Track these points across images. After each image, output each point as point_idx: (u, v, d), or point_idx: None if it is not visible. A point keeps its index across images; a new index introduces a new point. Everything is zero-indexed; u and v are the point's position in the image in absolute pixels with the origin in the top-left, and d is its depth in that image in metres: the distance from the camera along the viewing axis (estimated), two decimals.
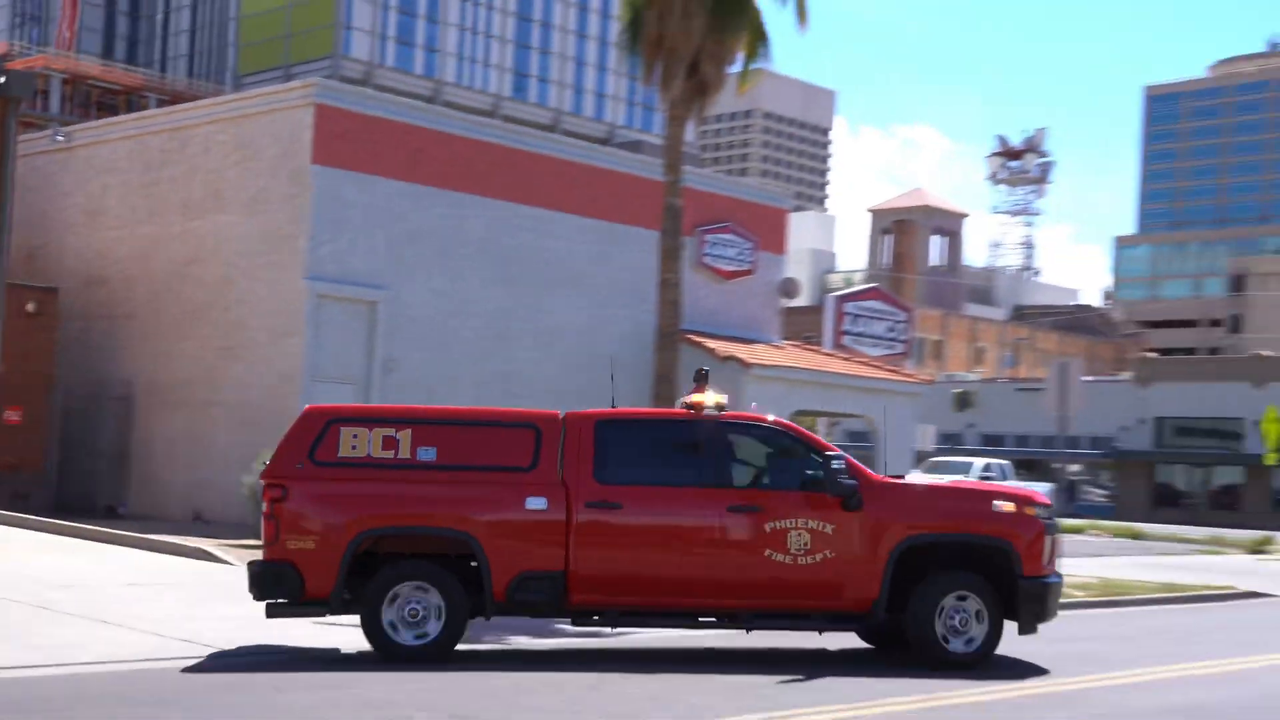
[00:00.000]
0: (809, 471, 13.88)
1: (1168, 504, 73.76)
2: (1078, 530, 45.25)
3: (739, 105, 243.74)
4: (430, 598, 13.25)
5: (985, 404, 78.59)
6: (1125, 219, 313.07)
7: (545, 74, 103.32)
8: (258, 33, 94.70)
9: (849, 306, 47.33)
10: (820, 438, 14.68)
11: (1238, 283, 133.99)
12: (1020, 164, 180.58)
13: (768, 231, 37.83)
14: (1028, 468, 67.22)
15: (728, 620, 13.99)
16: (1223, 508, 73.07)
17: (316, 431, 13.49)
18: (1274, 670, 15.36)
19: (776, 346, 37.41)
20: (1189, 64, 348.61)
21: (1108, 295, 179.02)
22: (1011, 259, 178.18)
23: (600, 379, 33.16)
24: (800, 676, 13.04)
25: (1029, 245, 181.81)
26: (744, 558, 13.62)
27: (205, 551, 22.30)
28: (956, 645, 13.84)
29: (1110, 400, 74.63)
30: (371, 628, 13.17)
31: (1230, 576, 27.94)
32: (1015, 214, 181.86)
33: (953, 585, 13.89)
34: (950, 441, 72.02)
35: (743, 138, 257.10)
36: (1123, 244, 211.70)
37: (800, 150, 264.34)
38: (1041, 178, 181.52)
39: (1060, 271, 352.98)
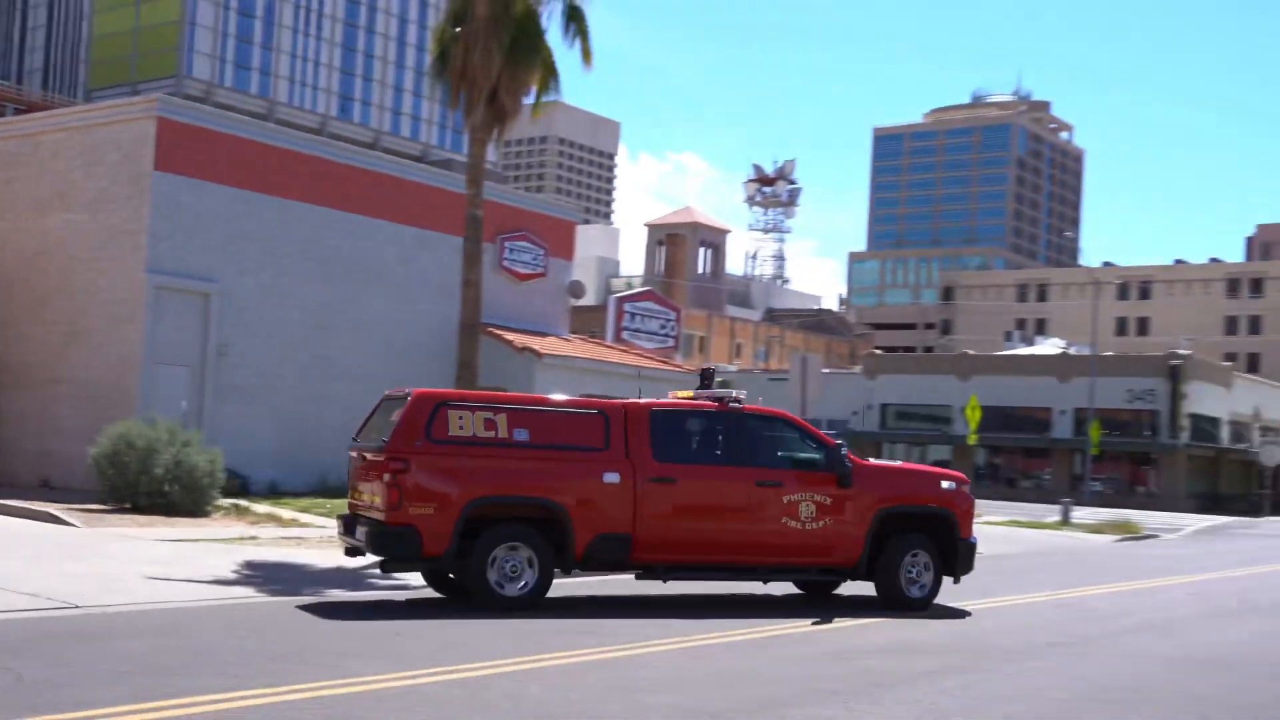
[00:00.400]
0: (813, 455, 15.04)
1: None
2: None
3: (536, 131, 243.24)
4: (521, 554, 13.70)
5: (743, 391, 79.98)
6: (858, 238, 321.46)
7: (367, 98, 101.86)
8: (108, 52, 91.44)
9: (628, 306, 47.62)
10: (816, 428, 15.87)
11: (947, 293, 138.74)
12: (773, 189, 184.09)
13: (559, 240, 37.82)
14: None
15: (749, 574, 14.85)
16: None
17: (428, 413, 13.61)
18: (990, 613, 15.90)
19: (565, 339, 37.44)
20: (910, 110, 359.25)
21: (843, 301, 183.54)
22: (765, 269, 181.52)
23: (410, 365, 33.17)
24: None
25: (780, 258, 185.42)
26: (768, 524, 14.68)
27: (52, 515, 21.44)
28: (913, 591, 15.37)
29: (844, 389, 76.74)
30: (479, 581, 13.51)
31: None
32: (768, 231, 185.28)
33: (911, 545, 15.36)
34: None
35: (539, 159, 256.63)
36: (855, 259, 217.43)
37: (589, 172, 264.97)
38: (790, 201, 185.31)
39: (805, 280, 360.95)
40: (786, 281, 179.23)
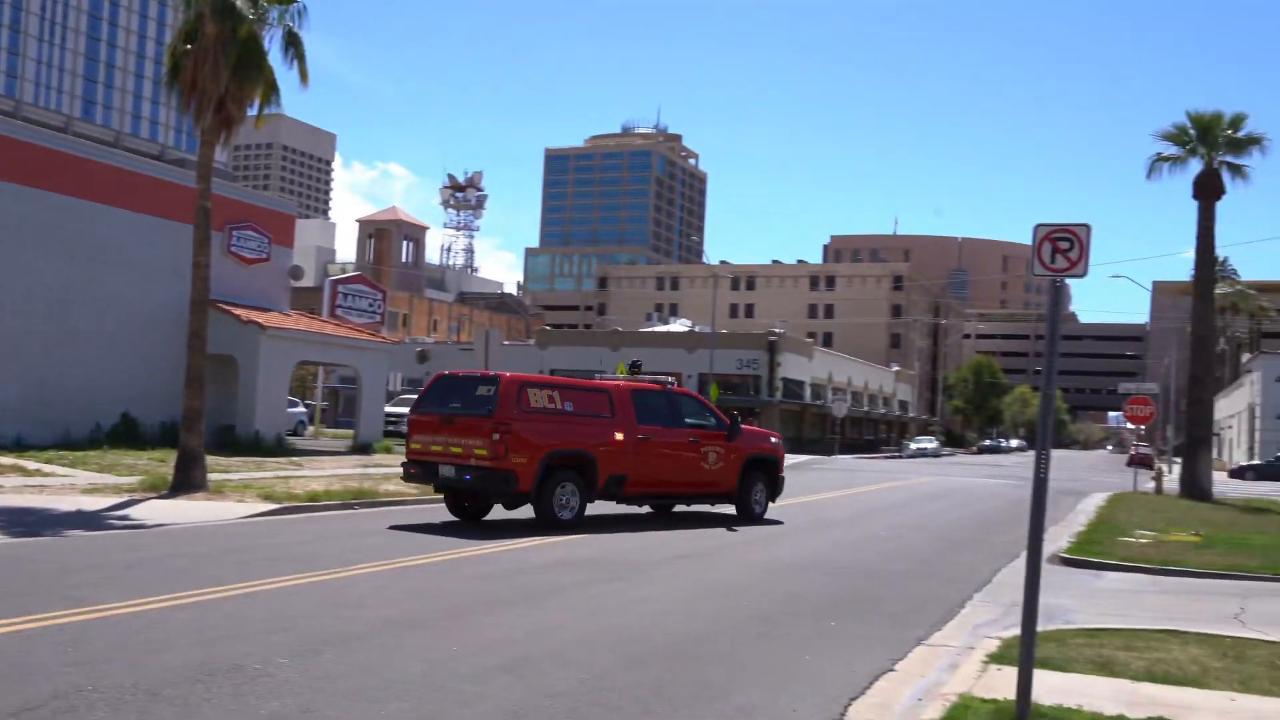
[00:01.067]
0: (713, 420, 18.59)
1: None
2: None
3: (262, 138, 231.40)
4: (569, 490, 16.20)
5: (438, 358, 78.69)
6: (533, 236, 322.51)
7: (109, 102, 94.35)
8: None
9: (341, 288, 46.01)
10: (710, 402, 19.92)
11: (603, 282, 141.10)
12: (464, 194, 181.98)
13: (281, 231, 36.09)
14: None
15: (684, 500, 18.23)
16: None
17: (517, 391, 15.99)
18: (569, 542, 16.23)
19: (286, 314, 35.79)
20: (575, 135, 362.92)
21: (521, 287, 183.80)
22: (458, 260, 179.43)
23: (148, 336, 31.02)
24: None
25: (470, 251, 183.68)
26: (695, 466, 18.12)
27: None
28: (757, 509, 19.00)
29: (521, 357, 76.88)
30: (547, 509, 15.94)
31: None
32: (460, 229, 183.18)
33: (758, 479, 19.09)
34: (414, 385, 71.74)
35: (265, 162, 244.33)
36: (531, 253, 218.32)
37: (309, 175, 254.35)
38: (479, 205, 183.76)
39: (491, 270, 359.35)
40: (475, 270, 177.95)
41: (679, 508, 20.02)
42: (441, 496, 18.79)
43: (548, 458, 15.97)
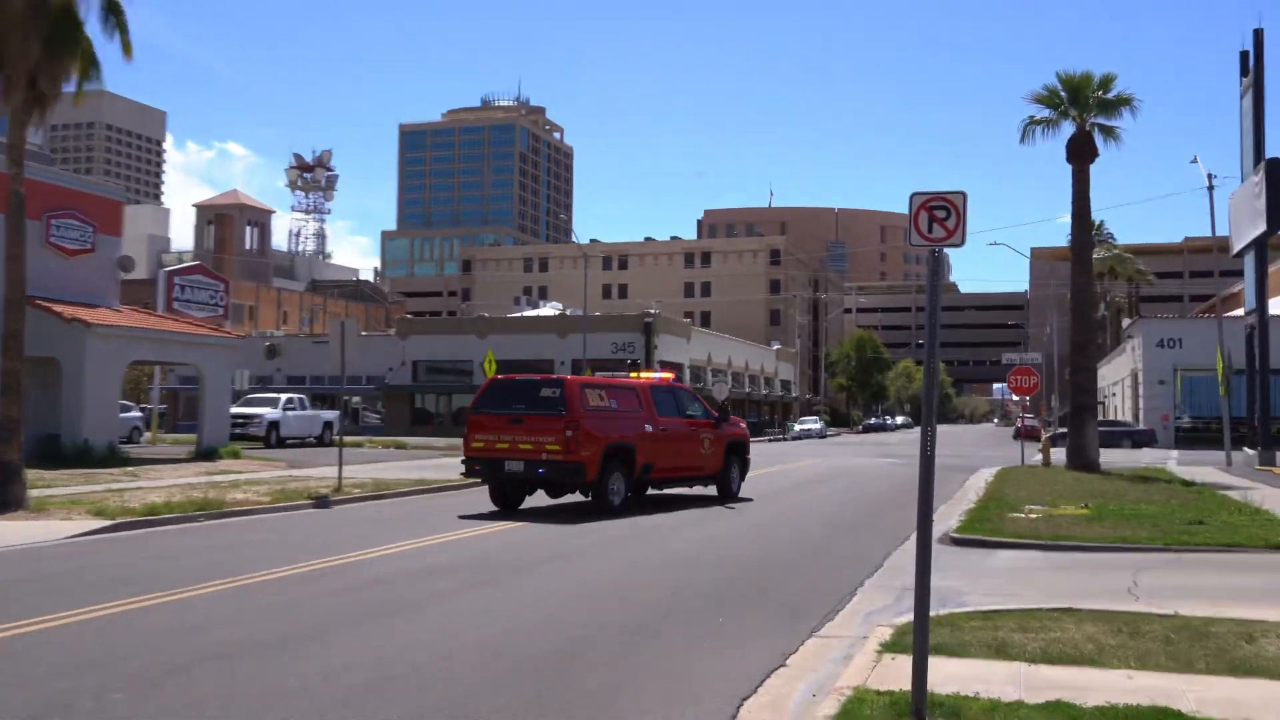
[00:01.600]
0: (700, 410, 22.42)
1: (423, 422, 75.78)
2: (359, 444, 45.43)
3: (83, 116, 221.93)
4: (618, 478, 19.55)
5: (290, 353, 76.89)
6: (390, 218, 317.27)
7: None
8: None
9: (178, 279, 44.44)
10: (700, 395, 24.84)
11: (467, 265, 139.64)
12: (312, 175, 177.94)
13: (107, 218, 34.57)
14: (323, 400, 66.60)
15: (686, 482, 21.84)
16: (461, 424, 75.77)
17: (579, 392, 19.38)
18: (481, 538, 16.04)
19: (116, 310, 34.36)
20: (430, 109, 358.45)
21: (378, 273, 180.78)
22: (308, 245, 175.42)
23: None
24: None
25: (321, 235, 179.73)
26: (695, 452, 21.72)
27: None
28: (734, 488, 22.90)
29: (381, 349, 75.68)
30: (604, 495, 19.20)
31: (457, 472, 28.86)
32: (309, 212, 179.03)
33: (734, 461, 22.99)
34: (263, 382, 69.87)
35: (88, 143, 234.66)
36: (388, 236, 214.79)
37: (137, 156, 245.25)
38: (329, 186, 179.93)
39: (344, 255, 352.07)
40: (328, 256, 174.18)
41: (650, 491, 23.14)
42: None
43: (607, 449, 19.36)
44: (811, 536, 16.40)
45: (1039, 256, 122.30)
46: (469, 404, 20.71)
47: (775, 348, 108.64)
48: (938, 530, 16.17)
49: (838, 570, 12.89)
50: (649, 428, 20.46)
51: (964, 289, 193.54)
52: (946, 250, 7.36)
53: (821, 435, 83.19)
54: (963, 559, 13.92)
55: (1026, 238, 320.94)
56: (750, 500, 22.30)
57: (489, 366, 43.24)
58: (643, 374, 23.54)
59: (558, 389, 19.37)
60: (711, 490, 23.74)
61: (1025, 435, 49.51)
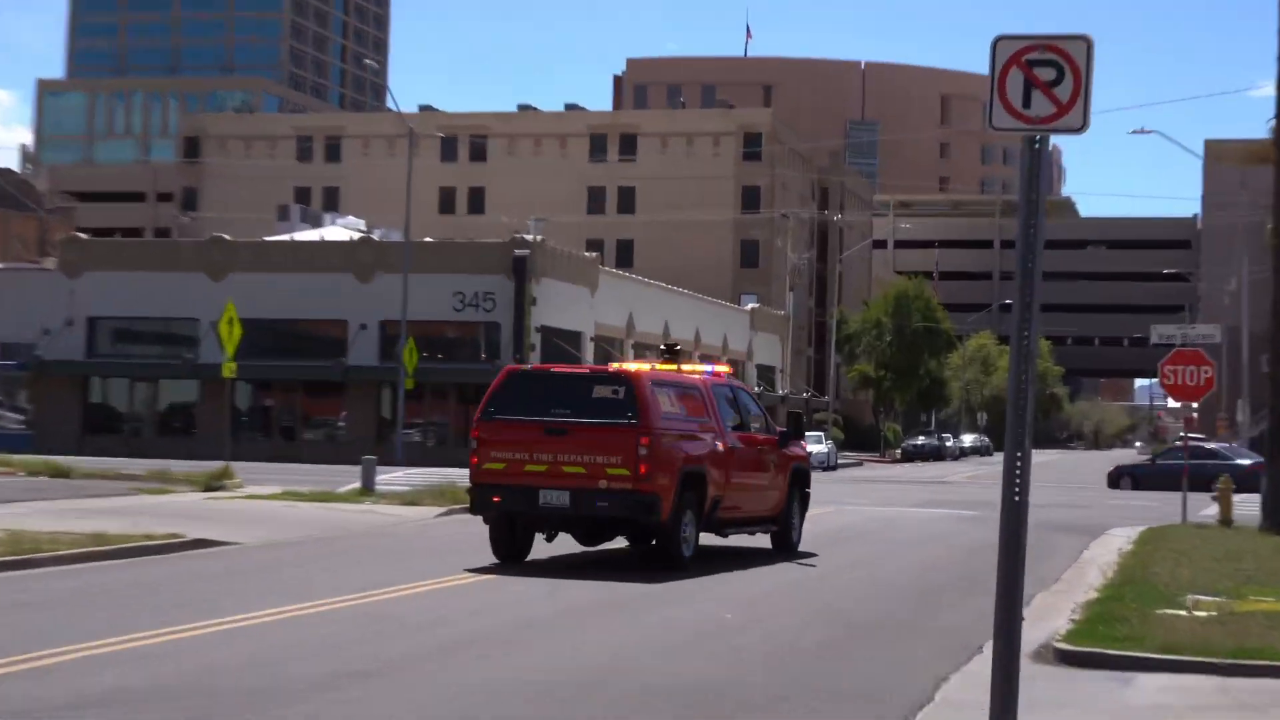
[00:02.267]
0: (762, 419, 28.16)
1: (105, 430, 74.92)
2: None
3: None
4: (688, 518, 23.97)
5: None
6: (54, 59, 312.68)
7: None
8: None
9: None
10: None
11: (193, 146, 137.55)
12: None
13: None
14: None
15: (748, 529, 27.01)
16: (175, 433, 75.18)
17: (651, 392, 23.55)
18: (214, 640, 15.91)
19: None
20: None
21: (29, 156, 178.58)
22: None
23: None
24: None
25: None
26: (762, 483, 26.96)
27: None
28: (795, 536, 28.26)
29: (32, 295, 74.63)
30: (675, 541, 23.58)
31: (177, 521, 28.70)
32: None
33: (797, 495, 28.28)
34: None
35: None
36: (49, 90, 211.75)
37: None
38: None
39: None
40: None
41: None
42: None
43: (682, 477, 23.62)
44: (804, 643, 16.79)
45: (1219, 156, 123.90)
46: (477, 408, 24.73)
47: (750, 308, 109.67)
48: (1034, 635, 16.30)
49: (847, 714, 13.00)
50: (719, 446, 25.36)
51: (1087, 211, 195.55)
52: (1057, 140, 7.36)
53: (829, 465, 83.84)
54: (1077, 690, 14.08)
55: (1198, 123, 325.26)
56: (813, 555, 27.36)
57: (228, 332, 42.76)
58: (684, 367, 28.18)
59: (623, 387, 23.79)
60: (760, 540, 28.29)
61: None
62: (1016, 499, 6.54)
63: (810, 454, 32.29)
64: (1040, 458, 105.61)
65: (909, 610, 20.03)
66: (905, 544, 31.20)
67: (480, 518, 24.75)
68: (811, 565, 25.92)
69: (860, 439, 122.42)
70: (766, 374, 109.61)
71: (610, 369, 27.11)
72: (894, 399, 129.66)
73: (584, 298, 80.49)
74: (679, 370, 27.39)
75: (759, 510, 26.67)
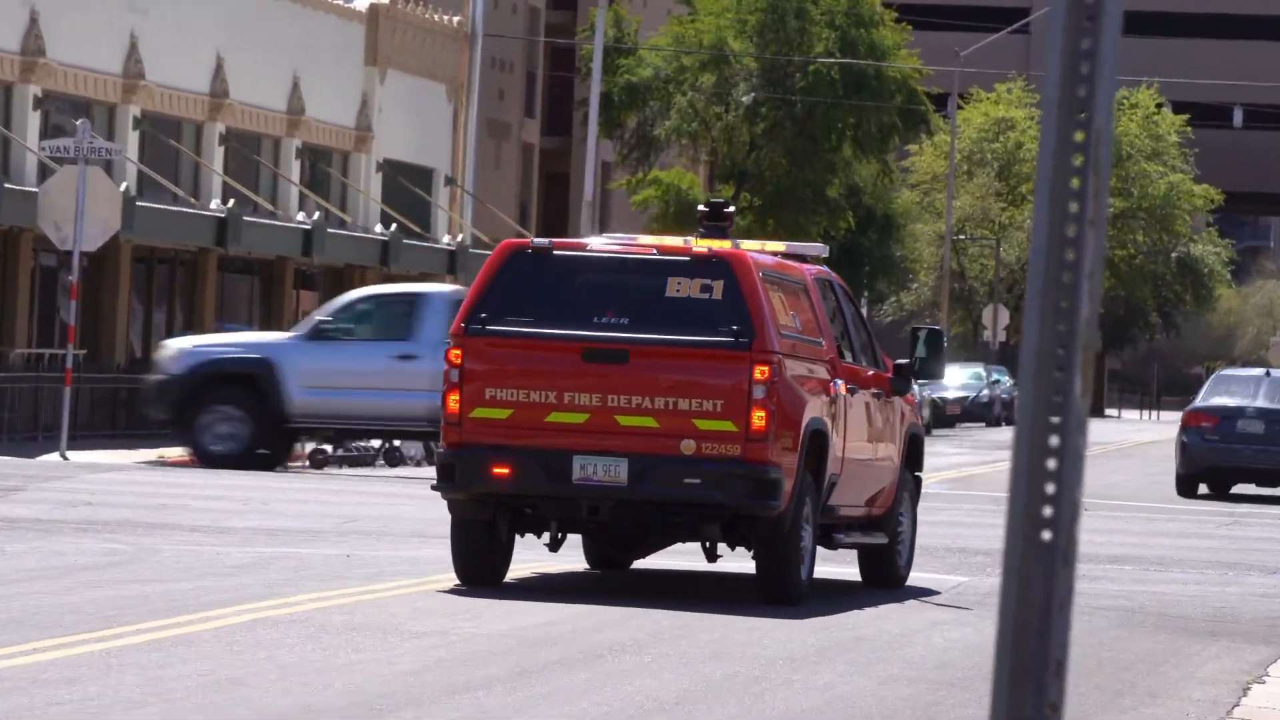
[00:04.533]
0: (873, 354, 19.50)
1: None
2: None
3: None
4: (809, 508, 16.36)
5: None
6: None
7: None
8: None
9: None
10: None
11: None
12: None
13: None
14: None
15: (862, 531, 18.35)
16: None
17: (763, 287, 16.03)
18: None
19: None
20: None
21: None
22: None
23: None
24: None
25: None
26: (877, 459, 18.61)
27: None
28: (906, 560, 19.09)
29: None
30: (794, 553, 16.13)
31: None
32: None
33: (909, 483, 19.32)
34: None
35: None
36: None
37: None
38: None
39: None
40: None
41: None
42: None
43: (806, 439, 16.26)
44: None
45: None
46: (457, 316, 16.83)
47: (367, 5, 60.28)
48: None
49: None
50: (835, 390, 17.26)
51: None
52: None
53: None
54: None
55: None
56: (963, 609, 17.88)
57: None
58: (742, 244, 18.30)
59: (723, 277, 16.13)
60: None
61: None
62: (1044, 543, 3.02)
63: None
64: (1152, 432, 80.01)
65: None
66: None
67: (447, 499, 16.53)
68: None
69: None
70: (412, 183, 62.54)
71: (693, 246, 16.79)
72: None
73: None
74: (773, 254, 18.12)
75: (864, 505, 18.21)
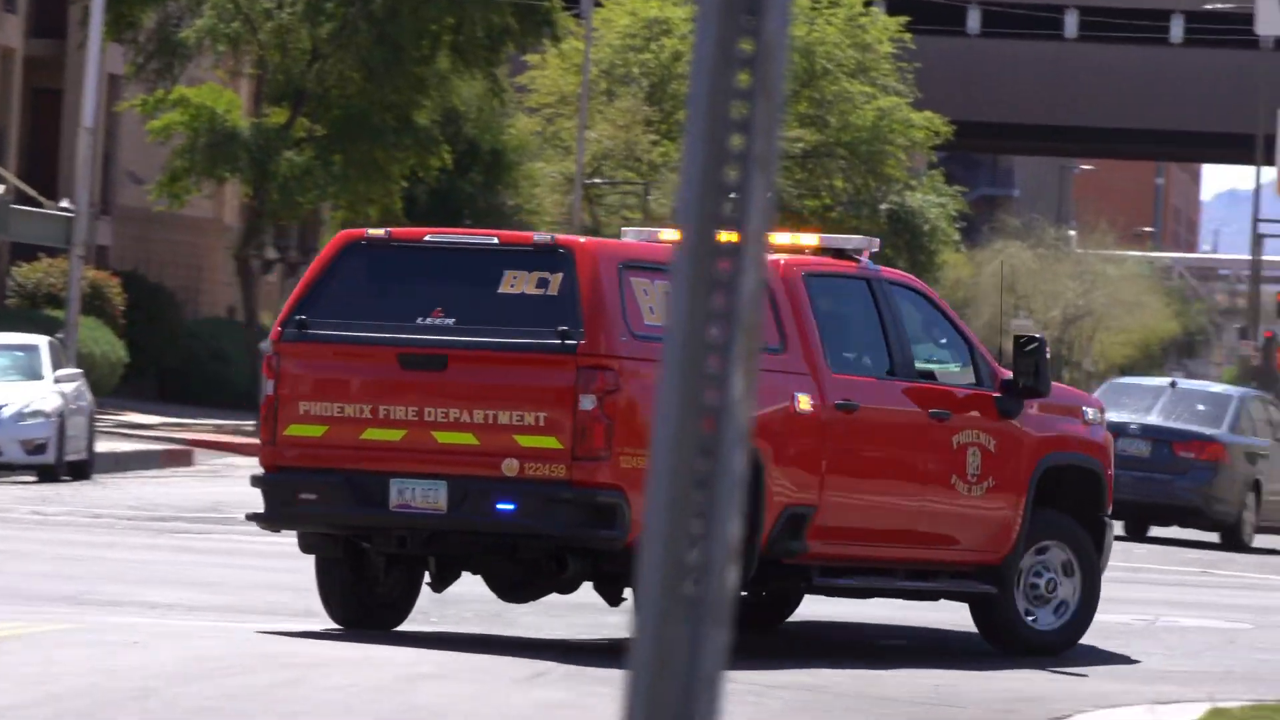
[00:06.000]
0: (961, 354, 21.55)
1: None
2: None
3: None
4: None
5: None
6: None
7: None
8: None
9: None
10: None
11: None
12: None
13: None
14: None
15: (899, 575, 20.92)
16: None
17: (616, 279, 17.65)
18: None
19: None
20: None
21: None
22: None
23: None
24: None
25: None
26: (943, 484, 20.67)
27: None
28: (1043, 632, 21.60)
29: None
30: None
31: None
32: None
33: (1059, 532, 21.31)
34: None
35: None
36: None
37: None
38: None
39: None
40: None
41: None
42: None
43: None
44: None
45: None
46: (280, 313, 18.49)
47: None
48: None
49: None
50: (804, 400, 19.29)
51: None
52: None
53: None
54: None
55: None
56: None
57: None
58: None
59: (560, 269, 17.84)
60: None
61: None
62: (688, 598, 2.88)
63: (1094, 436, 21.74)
64: None
65: None
66: None
67: (267, 530, 19.58)
68: None
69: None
70: None
71: (533, 237, 19.41)
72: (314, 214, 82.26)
73: None
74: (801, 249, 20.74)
75: (922, 546, 20.49)
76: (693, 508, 2.60)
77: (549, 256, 17.60)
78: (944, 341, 21.07)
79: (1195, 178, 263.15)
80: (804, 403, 18.95)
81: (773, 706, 16.86)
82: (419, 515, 17.32)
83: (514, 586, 18.96)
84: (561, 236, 18.58)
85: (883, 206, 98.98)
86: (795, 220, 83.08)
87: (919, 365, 20.54)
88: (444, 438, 17.32)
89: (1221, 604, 32.22)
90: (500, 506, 17.24)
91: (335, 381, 17.62)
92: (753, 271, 2.66)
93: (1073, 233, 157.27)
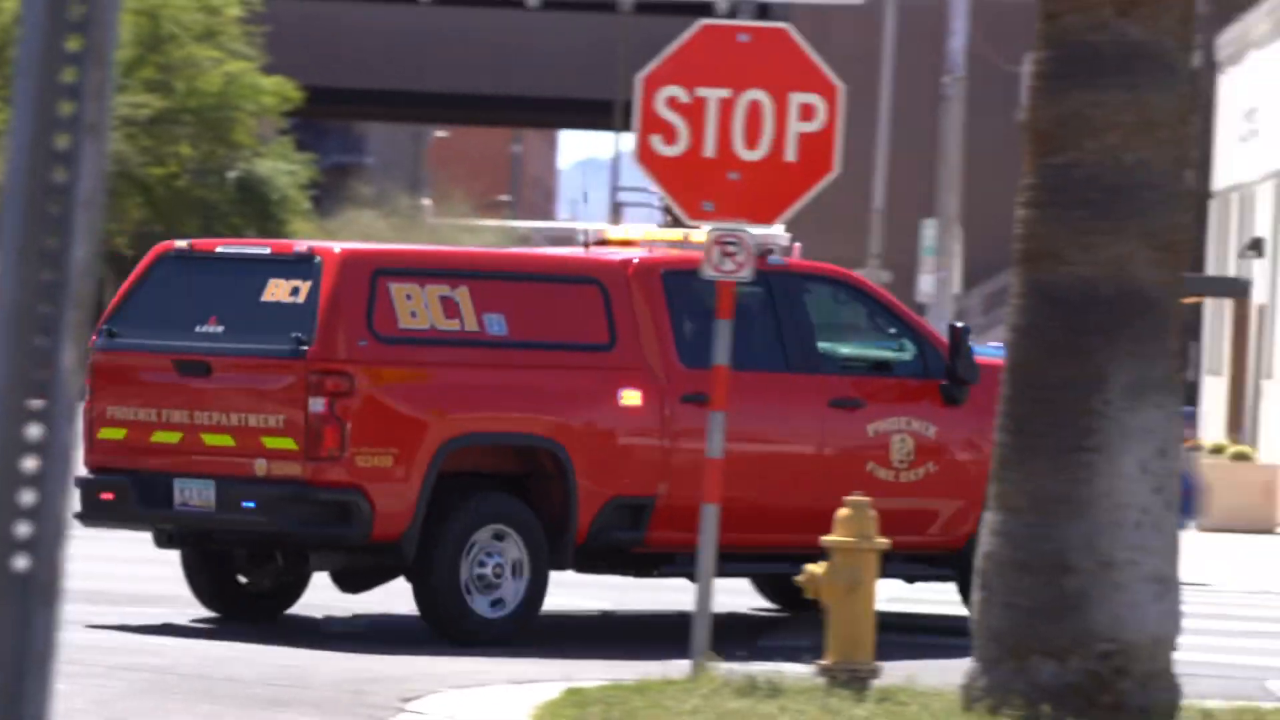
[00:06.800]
0: (905, 346, 22.34)
1: None
2: None
3: None
4: (499, 541, 20.32)
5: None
6: None
7: None
8: None
9: None
10: None
11: None
12: None
13: None
14: None
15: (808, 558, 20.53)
16: None
17: (365, 285, 18.94)
18: None
19: None
20: None
21: None
22: None
23: None
24: None
25: None
26: (853, 466, 21.60)
27: None
28: None
29: None
30: (448, 587, 19.99)
31: None
32: None
33: None
34: None
35: None
36: None
37: None
38: None
39: None
40: None
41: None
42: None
43: (441, 454, 19.10)
44: None
45: None
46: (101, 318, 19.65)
47: None
48: None
49: None
50: (628, 396, 20.49)
51: None
52: None
53: None
54: None
55: None
56: None
57: None
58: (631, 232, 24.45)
59: (307, 278, 18.93)
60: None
61: None
62: (18, 574, 2.82)
63: None
64: None
65: None
66: None
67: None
68: None
69: None
70: None
71: (293, 245, 21.44)
72: None
73: None
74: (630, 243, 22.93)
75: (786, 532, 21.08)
76: (25, 480, 2.56)
77: (304, 265, 18.81)
78: (891, 332, 22.06)
79: (553, 145, 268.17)
80: (629, 398, 20.21)
81: (116, 687, 17.35)
82: (196, 514, 18.93)
83: (345, 577, 20.51)
84: (318, 245, 19.83)
85: (231, 174, 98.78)
86: (141, 188, 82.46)
87: (843, 355, 21.89)
88: (210, 440, 18.76)
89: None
90: (244, 504, 18.69)
91: (132, 387, 19.07)
92: (83, 243, 2.62)
93: (427, 201, 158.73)
